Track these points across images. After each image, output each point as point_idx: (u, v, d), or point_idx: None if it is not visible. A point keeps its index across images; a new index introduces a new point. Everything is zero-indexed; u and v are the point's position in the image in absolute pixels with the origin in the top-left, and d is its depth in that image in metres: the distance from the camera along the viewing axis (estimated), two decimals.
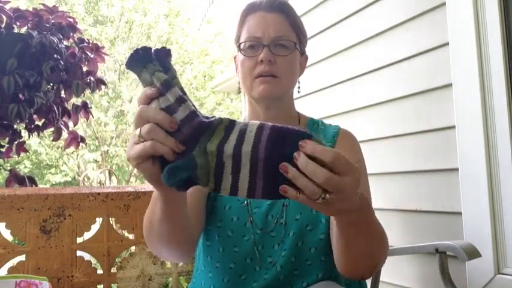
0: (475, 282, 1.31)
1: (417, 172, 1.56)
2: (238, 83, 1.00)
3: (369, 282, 1.10)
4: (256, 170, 0.54)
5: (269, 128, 0.54)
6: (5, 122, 1.74)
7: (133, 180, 10.63)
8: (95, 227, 1.48)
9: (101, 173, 9.97)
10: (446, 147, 1.45)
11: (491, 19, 1.31)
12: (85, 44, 1.92)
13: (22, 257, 1.37)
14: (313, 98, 2.14)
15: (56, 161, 11.42)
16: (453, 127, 1.41)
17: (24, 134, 1.89)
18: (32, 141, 9.75)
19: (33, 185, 1.83)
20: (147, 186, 1.56)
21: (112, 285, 1.47)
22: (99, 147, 11.24)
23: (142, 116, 0.58)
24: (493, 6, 1.31)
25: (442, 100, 1.47)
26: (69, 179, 11.57)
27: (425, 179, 1.53)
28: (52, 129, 1.92)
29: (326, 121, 1.07)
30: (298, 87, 1.02)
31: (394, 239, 1.63)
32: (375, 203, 1.02)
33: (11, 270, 1.34)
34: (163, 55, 0.59)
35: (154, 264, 1.50)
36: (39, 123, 1.91)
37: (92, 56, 1.94)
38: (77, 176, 11.21)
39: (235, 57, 1.02)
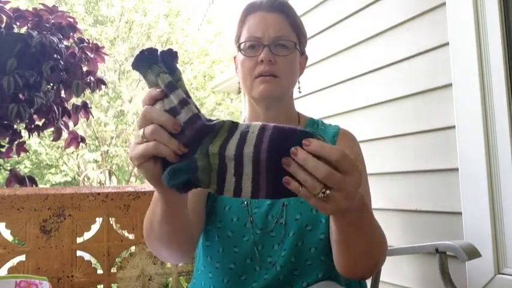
0: (475, 282, 1.31)
1: (417, 172, 1.56)
2: (238, 83, 1.00)
3: (369, 282, 1.10)
4: (259, 171, 0.54)
5: (271, 128, 0.54)
6: (5, 122, 1.74)
7: (133, 180, 10.63)
8: (95, 227, 1.48)
9: (101, 173, 9.97)
10: (446, 147, 1.45)
11: (491, 19, 1.31)
12: (85, 44, 1.92)
13: (22, 257, 1.37)
14: (313, 98, 2.14)
15: (56, 161, 11.42)
16: (453, 127, 1.41)
17: (24, 134, 1.89)
18: (32, 141, 9.75)
19: (34, 185, 1.83)
20: (147, 186, 1.56)
21: (112, 285, 1.47)
22: (99, 147, 11.24)
23: (147, 117, 0.58)
24: (493, 6, 1.31)
25: (442, 100, 1.47)
26: (69, 179, 11.57)
27: (425, 179, 1.53)
28: (52, 129, 1.92)
29: (326, 121, 1.07)
30: (299, 87, 1.02)
31: (394, 239, 1.63)
32: (375, 203, 1.02)
33: (11, 270, 1.34)
34: (169, 57, 0.59)
35: (154, 264, 1.50)
36: (39, 123, 1.91)
37: (92, 56, 1.94)
38: (77, 176, 11.21)
39: (235, 57, 1.02)
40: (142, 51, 0.58)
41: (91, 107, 2.04)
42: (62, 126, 1.93)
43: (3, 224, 1.35)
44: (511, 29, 1.30)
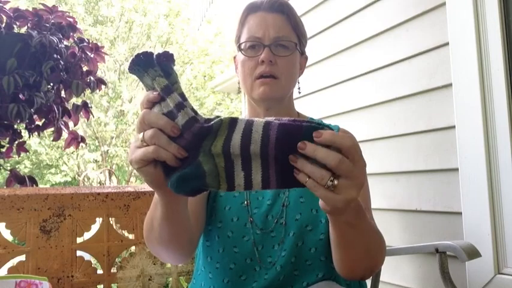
0: (475, 282, 1.31)
1: (417, 172, 1.56)
2: (238, 82, 1.00)
3: (369, 282, 1.10)
4: (268, 164, 0.55)
5: (276, 127, 0.54)
6: (5, 122, 1.74)
7: (133, 180, 10.64)
8: (95, 227, 1.48)
9: (101, 173, 9.97)
10: (446, 147, 1.45)
11: (491, 19, 1.31)
12: (85, 43, 1.92)
13: (22, 257, 1.36)
14: (313, 98, 2.14)
15: (56, 161, 11.42)
16: (453, 127, 1.41)
17: (24, 134, 1.88)
18: (32, 141, 9.76)
19: (34, 185, 1.83)
20: (147, 187, 1.56)
21: (112, 285, 1.47)
22: (99, 147, 11.24)
23: (145, 120, 0.58)
24: (493, 6, 1.31)
25: (442, 100, 1.47)
26: (69, 179, 11.58)
27: (425, 179, 1.53)
28: (52, 129, 1.92)
29: (326, 121, 1.07)
30: (299, 88, 1.02)
31: (394, 239, 1.63)
32: (375, 203, 1.02)
33: (11, 270, 1.34)
34: (165, 59, 0.59)
35: (154, 264, 1.50)
36: (39, 123, 1.91)
37: (91, 55, 1.93)
38: (77, 176, 11.22)
39: (235, 57, 1.02)
40: (137, 55, 0.58)
41: (91, 107, 2.03)
42: (62, 126, 1.93)
43: (3, 224, 1.35)
44: (511, 29, 1.30)
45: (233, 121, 0.56)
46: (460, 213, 1.38)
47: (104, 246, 1.46)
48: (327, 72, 2.05)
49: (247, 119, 0.57)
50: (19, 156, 1.93)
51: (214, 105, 12.77)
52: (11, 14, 1.73)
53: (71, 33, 1.89)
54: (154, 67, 0.58)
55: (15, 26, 1.76)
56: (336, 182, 0.53)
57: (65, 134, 1.96)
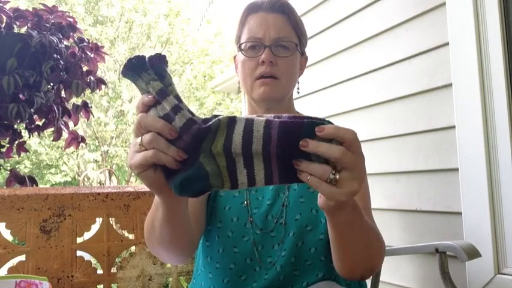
0: (475, 282, 1.31)
1: (417, 172, 1.56)
2: (238, 82, 1.00)
3: (369, 282, 1.10)
4: (270, 161, 0.55)
5: (277, 126, 0.54)
6: (5, 122, 1.74)
7: (134, 180, 10.63)
8: (95, 227, 1.48)
9: (101, 173, 9.97)
10: (446, 147, 1.45)
11: (491, 19, 1.31)
12: (85, 43, 1.92)
13: (22, 257, 1.36)
14: (313, 98, 2.14)
15: (56, 161, 11.42)
16: (453, 127, 1.41)
17: (25, 134, 1.88)
18: (32, 141, 9.76)
19: (34, 185, 1.83)
20: None
21: (112, 285, 1.47)
22: (99, 147, 11.24)
23: (142, 124, 0.57)
24: (493, 6, 1.31)
25: (442, 100, 1.47)
26: (69, 179, 11.58)
27: (426, 179, 1.53)
28: (52, 129, 1.92)
29: None
30: (298, 88, 1.02)
31: (394, 239, 1.63)
32: (375, 203, 1.02)
33: (11, 270, 1.34)
34: (157, 62, 0.58)
35: (154, 264, 1.50)
36: (40, 123, 1.91)
37: (91, 55, 1.93)
38: (77, 176, 11.21)
39: (235, 57, 1.02)
40: (130, 60, 0.58)
41: (91, 107, 2.03)
42: (62, 126, 1.93)
43: (3, 224, 1.35)
44: (511, 29, 1.30)
45: (231, 120, 0.56)
46: (460, 213, 1.38)
47: (104, 246, 1.46)
48: (327, 72, 2.05)
49: (247, 117, 0.56)
50: (19, 156, 1.93)
51: (214, 105, 12.77)
52: (11, 14, 1.73)
53: (71, 33, 1.89)
54: (148, 70, 0.58)
55: (15, 26, 1.76)
56: (337, 176, 0.53)
57: (65, 134, 1.96)
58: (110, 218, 1.49)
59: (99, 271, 1.46)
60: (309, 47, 1.05)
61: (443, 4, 1.45)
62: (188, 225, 0.79)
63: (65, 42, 1.88)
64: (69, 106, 1.98)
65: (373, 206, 0.98)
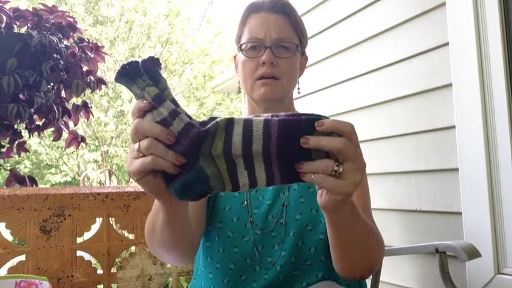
0: (475, 282, 1.31)
1: (417, 172, 1.56)
2: (238, 82, 1.00)
3: (368, 282, 1.10)
4: (271, 161, 0.55)
5: (276, 124, 0.54)
6: (5, 122, 1.74)
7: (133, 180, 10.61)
8: (95, 227, 1.48)
9: (101, 173, 9.97)
10: (446, 147, 1.45)
11: (491, 19, 1.31)
12: (85, 43, 1.92)
13: (22, 257, 1.36)
14: (313, 98, 2.14)
15: (56, 161, 11.42)
16: (453, 127, 1.41)
17: (25, 134, 1.88)
18: (32, 141, 9.76)
19: (34, 185, 1.83)
20: None
21: (112, 285, 1.47)
22: (99, 147, 11.24)
23: (139, 130, 0.57)
24: (493, 6, 1.31)
25: (442, 100, 1.47)
26: (69, 179, 11.57)
27: (426, 179, 1.53)
28: (52, 129, 1.92)
29: None
30: (298, 88, 1.02)
31: (394, 239, 1.63)
32: (375, 203, 1.02)
33: (11, 270, 1.34)
34: (150, 65, 0.57)
35: (154, 264, 1.50)
36: (40, 123, 1.91)
37: (92, 55, 1.93)
38: (77, 176, 11.21)
39: (235, 57, 1.02)
40: (123, 66, 0.57)
41: (91, 107, 2.03)
42: (62, 126, 1.93)
43: (3, 224, 1.35)
44: (511, 29, 1.30)
45: (229, 122, 0.56)
46: (460, 213, 1.38)
47: (104, 246, 1.46)
48: (327, 72, 2.05)
49: (245, 118, 0.56)
50: (19, 156, 1.93)
51: (214, 105, 12.77)
52: (11, 14, 1.73)
53: (71, 33, 1.89)
54: (142, 76, 0.57)
55: (15, 26, 1.76)
56: (341, 168, 0.54)
57: (65, 134, 1.96)
58: (110, 218, 1.49)
59: (99, 271, 1.46)
60: (309, 47, 1.05)
61: (443, 4, 1.45)
62: (189, 227, 0.79)
63: (65, 42, 1.88)
64: (69, 106, 1.98)
65: (373, 206, 0.98)
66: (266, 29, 0.92)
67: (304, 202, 0.91)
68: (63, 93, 1.93)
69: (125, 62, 0.57)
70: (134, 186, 1.58)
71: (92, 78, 1.93)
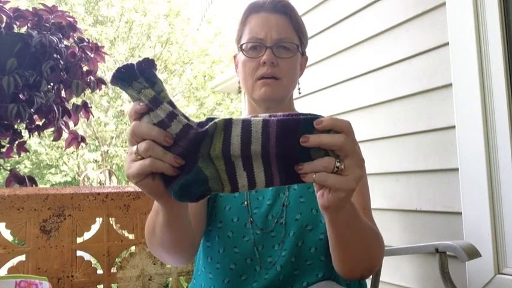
0: (475, 282, 1.31)
1: (417, 172, 1.56)
2: (238, 82, 1.00)
3: (368, 282, 1.10)
4: (270, 162, 0.55)
5: (275, 124, 0.54)
6: (5, 122, 1.74)
7: None
8: (95, 227, 1.48)
9: (101, 173, 9.97)
10: (446, 147, 1.45)
11: (491, 19, 1.31)
12: (85, 43, 1.92)
13: (22, 257, 1.36)
14: (313, 98, 2.14)
15: (56, 161, 11.42)
16: (453, 127, 1.41)
17: (25, 134, 1.88)
18: (32, 141, 9.76)
19: (34, 185, 1.83)
20: None
21: (112, 285, 1.47)
22: (99, 147, 11.24)
23: (136, 133, 0.56)
24: (493, 6, 1.31)
25: (442, 100, 1.47)
26: (69, 179, 11.58)
27: (426, 179, 1.53)
28: (52, 129, 1.92)
29: None
30: (299, 88, 1.02)
31: (394, 239, 1.63)
32: (375, 203, 1.02)
33: (11, 270, 1.34)
34: (146, 67, 0.57)
35: (154, 264, 1.50)
36: (40, 123, 1.91)
37: (92, 55, 1.93)
38: (77, 176, 11.22)
39: (235, 57, 1.02)
40: (119, 69, 0.56)
41: (91, 107, 2.03)
42: (62, 126, 1.93)
43: (3, 224, 1.35)
44: (511, 29, 1.30)
45: (228, 122, 0.56)
46: (460, 213, 1.38)
47: (104, 246, 1.46)
48: (327, 72, 2.05)
49: (243, 118, 0.56)
50: (19, 156, 1.93)
51: (214, 105, 12.77)
52: (11, 14, 1.73)
53: (71, 33, 1.89)
54: (138, 79, 0.56)
55: (15, 26, 1.76)
56: (342, 165, 0.54)
57: (65, 134, 1.96)
58: (110, 218, 1.49)
59: (99, 271, 1.46)
60: (309, 47, 1.05)
61: (443, 4, 1.45)
62: (189, 228, 0.79)
63: (65, 42, 1.88)
64: (69, 106, 1.98)
65: (373, 206, 0.98)
66: (267, 29, 0.92)
67: (304, 202, 0.91)
68: (63, 93, 1.93)
69: (121, 65, 0.57)
70: (134, 186, 1.58)
71: (92, 78, 1.93)
